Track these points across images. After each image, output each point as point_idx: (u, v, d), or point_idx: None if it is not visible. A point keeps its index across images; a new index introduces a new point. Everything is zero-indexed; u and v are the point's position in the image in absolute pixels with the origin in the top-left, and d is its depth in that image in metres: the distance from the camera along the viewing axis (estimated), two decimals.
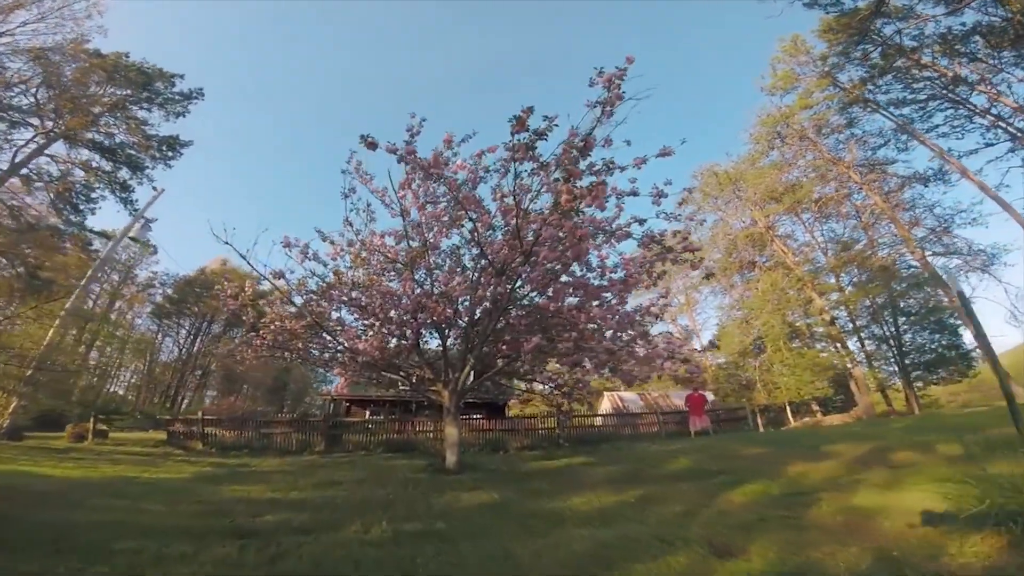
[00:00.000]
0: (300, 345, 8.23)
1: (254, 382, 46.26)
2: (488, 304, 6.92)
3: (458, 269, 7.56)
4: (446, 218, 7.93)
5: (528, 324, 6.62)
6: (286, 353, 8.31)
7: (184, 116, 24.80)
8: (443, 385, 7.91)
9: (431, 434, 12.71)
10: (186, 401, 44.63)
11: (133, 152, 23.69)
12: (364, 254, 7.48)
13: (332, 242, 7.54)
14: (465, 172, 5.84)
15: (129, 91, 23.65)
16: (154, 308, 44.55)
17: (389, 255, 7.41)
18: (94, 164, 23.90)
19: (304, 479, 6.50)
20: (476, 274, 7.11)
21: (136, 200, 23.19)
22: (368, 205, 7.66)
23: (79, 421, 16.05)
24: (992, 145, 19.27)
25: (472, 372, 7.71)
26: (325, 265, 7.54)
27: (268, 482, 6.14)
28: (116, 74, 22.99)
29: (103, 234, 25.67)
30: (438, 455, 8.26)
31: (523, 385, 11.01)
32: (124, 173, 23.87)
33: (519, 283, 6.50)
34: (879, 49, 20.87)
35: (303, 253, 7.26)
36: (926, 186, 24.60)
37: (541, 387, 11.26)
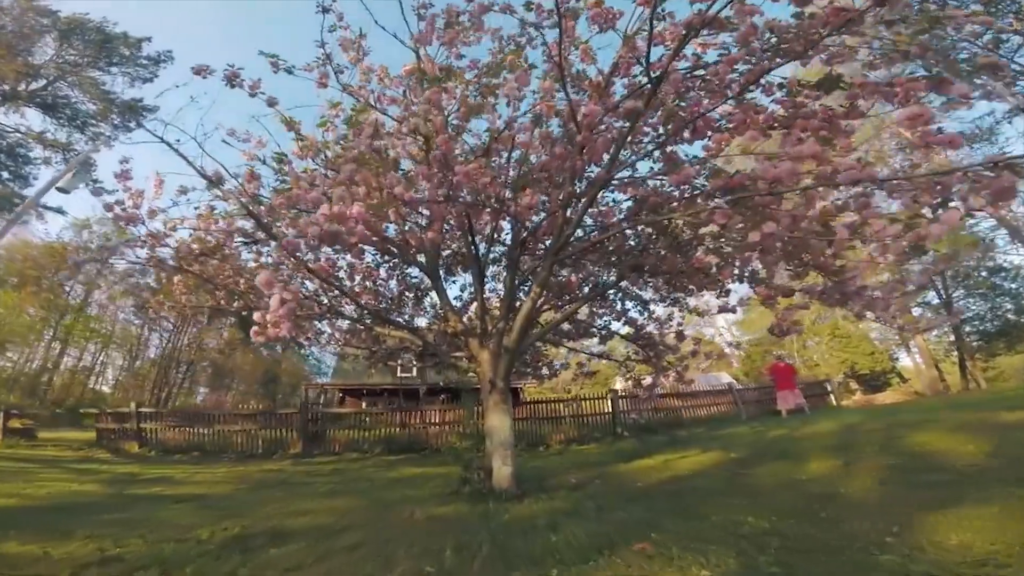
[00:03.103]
0: (242, 283, 5.04)
1: (244, 376, 43.24)
2: (569, 187, 3.72)
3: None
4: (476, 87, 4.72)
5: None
6: (219, 294, 5.12)
7: (151, 81, 22.12)
8: (479, 342, 4.73)
9: (447, 427, 9.57)
10: (173, 398, 41.52)
11: (81, 108, 20.72)
12: (351, 114, 4.24)
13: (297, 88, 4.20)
14: None
15: (88, 52, 20.96)
16: (136, 300, 41.28)
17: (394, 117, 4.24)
18: (48, 134, 21.40)
19: (231, 521, 3.34)
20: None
21: (97, 175, 19.33)
22: (361, 32, 4.33)
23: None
24: None
25: (529, 316, 4.54)
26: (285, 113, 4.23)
27: (157, 531, 2.97)
28: (72, 34, 20.40)
29: (58, 210, 22.80)
30: (464, 460, 5.08)
31: (572, 347, 7.60)
32: (83, 145, 21.10)
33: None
34: (918, 6, 18.68)
35: (231, 79, 3.91)
36: (972, 147, 22.59)
37: (573, 352, 7.96)
